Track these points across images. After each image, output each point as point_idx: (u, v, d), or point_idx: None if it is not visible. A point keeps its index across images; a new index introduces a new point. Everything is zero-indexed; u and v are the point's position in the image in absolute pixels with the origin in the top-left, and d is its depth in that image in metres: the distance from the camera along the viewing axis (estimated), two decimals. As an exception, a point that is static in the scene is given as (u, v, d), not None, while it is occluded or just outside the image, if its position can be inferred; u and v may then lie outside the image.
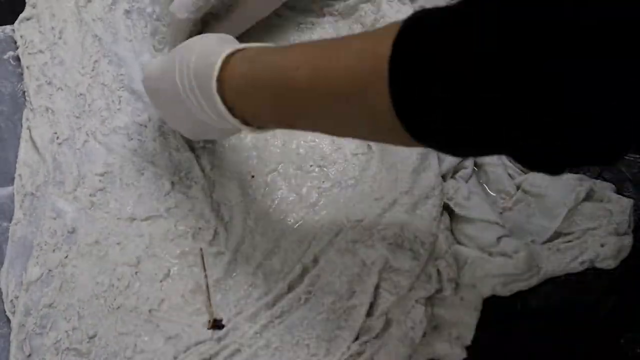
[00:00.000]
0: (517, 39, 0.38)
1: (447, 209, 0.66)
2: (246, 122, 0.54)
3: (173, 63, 0.57)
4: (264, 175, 0.68)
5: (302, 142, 0.70)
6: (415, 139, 0.44)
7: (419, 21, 0.42)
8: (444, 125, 0.42)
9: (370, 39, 0.45)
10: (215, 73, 0.52)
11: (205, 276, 0.64)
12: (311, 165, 0.69)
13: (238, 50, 0.53)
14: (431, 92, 0.41)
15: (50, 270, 0.64)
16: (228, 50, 0.53)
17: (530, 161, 0.43)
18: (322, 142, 0.70)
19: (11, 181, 0.69)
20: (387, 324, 0.62)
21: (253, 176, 0.68)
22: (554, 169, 0.44)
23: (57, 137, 0.70)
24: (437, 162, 0.67)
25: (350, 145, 0.70)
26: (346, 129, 0.50)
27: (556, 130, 0.39)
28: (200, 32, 0.68)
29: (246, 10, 0.69)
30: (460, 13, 0.41)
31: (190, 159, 0.69)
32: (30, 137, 0.70)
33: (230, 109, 0.53)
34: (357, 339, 0.61)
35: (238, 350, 0.61)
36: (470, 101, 0.40)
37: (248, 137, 0.70)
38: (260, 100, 0.52)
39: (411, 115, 0.43)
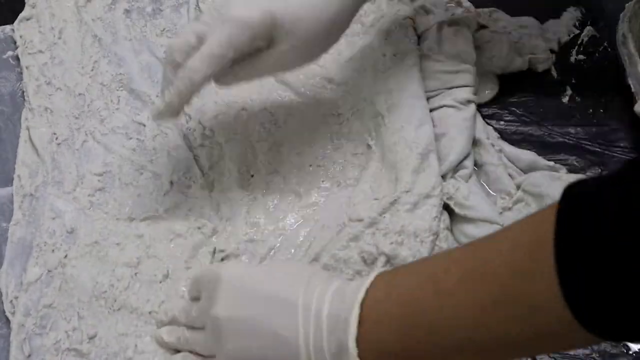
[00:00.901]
0: None
1: (447, 208, 0.66)
2: None
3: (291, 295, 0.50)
4: (263, 175, 0.68)
5: (301, 142, 0.70)
6: (593, 332, 0.39)
7: (577, 198, 0.39)
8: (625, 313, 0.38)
9: (527, 225, 0.42)
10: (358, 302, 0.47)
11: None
12: (311, 165, 0.69)
13: (380, 274, 0.49)
14: (609, 277, 0.37)
15: (49, 271, 0.64)
16: (373, 275, 0.48)
17: None
18: (322, 142, 0.70)
19: (10, 181, 0.69)
20: (388, 323, 0.62)
21: (253, 175, 0.68)
22: None
23: (56, 138, 0.70)
24: (437, 162, 0.67)
25: (350, 145, 0.70)
26: (507, 344, 0.43)
27: None
28: None
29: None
30: (622, 182, 0.38)
31: (189, 159, 0.69)
32: (29, 137, 0.70)
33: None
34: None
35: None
36: None
37: (245, 137, 0.70)
38: (397, 323, 0.46)
39: (586, 304, 0.38)
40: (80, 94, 0.72)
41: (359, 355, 0.47)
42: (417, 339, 0.46)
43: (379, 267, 0.62)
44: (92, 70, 0.73)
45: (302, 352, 0.49)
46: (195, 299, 0.58)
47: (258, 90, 0.72)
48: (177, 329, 0.59)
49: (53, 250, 0.65)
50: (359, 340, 0.47)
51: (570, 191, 0.40)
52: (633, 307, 0.37)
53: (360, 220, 0.65)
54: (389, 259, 0.63)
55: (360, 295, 0.47)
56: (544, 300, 0.39)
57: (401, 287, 0.47)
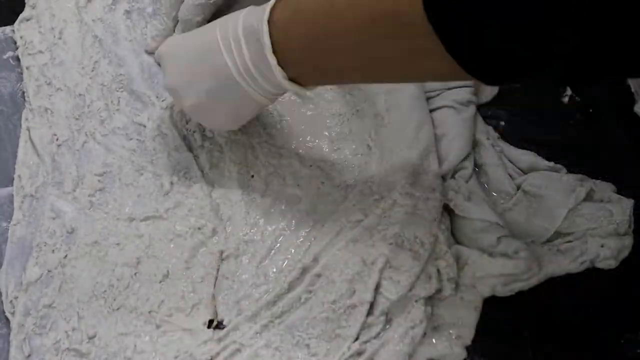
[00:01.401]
0: None
1: (447, 209, 0.66)
2: (290, 77, 0.55)
3: (212, 31, 0.58)
4: (263, 176, 0.68)
5: (301, 142, 0.70)
6: (453, 54, 0.43)
7: None
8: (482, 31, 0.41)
9: None
10: (266, 15, 0.54)
11: (216, 279, 0.64)
12: (311, 166, 0.69)
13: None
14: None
15: (49, 271, 0.64)
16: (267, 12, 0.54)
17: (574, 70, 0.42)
18: (321, 142, 0.70)
19: (10, 181, 0.69)
20: (388, 323, 0.62)
21: (253, 176, 0.68)
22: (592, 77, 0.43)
23: (57, 139, 0.70)
24: (437, 162, 0.67)
25: (350, 145, 0.70)
26: (384, 61, 0.50)
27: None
28: None
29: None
30: None
31: (189, 159, 0.69)
32: (30, 138, 0.70)
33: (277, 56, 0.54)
34: (357, 338, 0.61)
35: (238, 350, 0.61)
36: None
37: (246, 137, 0.70)
38: (302, 38, 0.53)
39: (445, 25, 0.42)
40: (80, 95, 0.72)
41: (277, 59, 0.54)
42: (319, 55, 0.53)
43: (379, 267, 0.62)
44: (92, 70, 0.73)
45: (233, 71, 0.57)
46: None
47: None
48: None
49: (53, 251, 0.65)
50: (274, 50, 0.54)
51: None
52: (486, 27, 0.41)
53: (360, 220, 0.65)
54: (388, 260, 0.63)
55: (266, 14, 0.54)
56: (410, 16, 0.44)
57: (303, 10, 0.53)
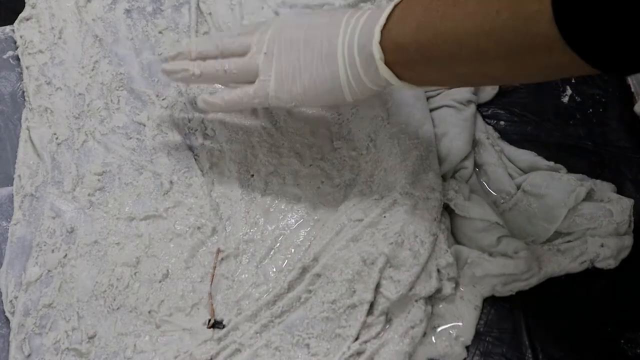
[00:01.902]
0: None
1: (447, 209, 0.66)
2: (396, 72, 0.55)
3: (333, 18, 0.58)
4: (263, 175, 0.68)
5: (301, 141, 0.70)
6: (576, 51, 0.43)
7: None
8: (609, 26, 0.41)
9: None
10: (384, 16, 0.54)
11: (213, 276, 0.64)
12: (310, 165, 0.69)
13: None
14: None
15: (49, 271, 0.64)
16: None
17: None
18: (321, 141, 0.70)
19: (10, 181, 0.69)
20: (388, 323, 0.62)
21: (252, 175, 0.68)
22: None
23: (57, 138, 0.70)
24: (437, 162, 0.67)
25: (349, 145, 0.70)
26: (502, 52, 0.48)
27: None
28: None
29: None
30: None
31: (189, 158, 0.69)
32: (30, 137, 0.70)
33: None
34: (357, 338, 0.61)
35: (238, 350, 0.61)
36: None
37: (247, 137, 0.70)
38: (416, 22, 0.52)
39: (572, 24, 0.42)
40: (80, 94, 0.72)
41: (381, 43, 0.54)
42: (429, 38, 0.51)
43: (379, 267, 0.62)
44: (92, 70, 0.73)
45: (338, 45, 0.57)
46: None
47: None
48: (210, 62, 0.63)
49: (53, 250, 0.65)
50: (382, 33, 0.54)
51: None
52: (616, 28, 0.41)
53: (360, 220, 0.65)
54: (388, 259, 0.63)
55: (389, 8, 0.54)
56: (536, 14, 0.44)
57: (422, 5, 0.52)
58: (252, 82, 0.62)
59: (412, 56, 0.53)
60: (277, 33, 0.61)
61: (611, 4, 0.41)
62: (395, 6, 0.54)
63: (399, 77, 0.55)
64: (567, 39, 0.43)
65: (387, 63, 0.55)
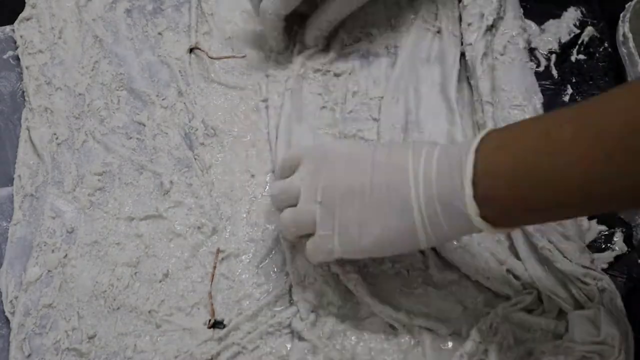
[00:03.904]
0: None
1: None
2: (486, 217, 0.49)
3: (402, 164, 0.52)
4: (262, 174, 0.68)
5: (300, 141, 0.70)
6: None
7: None
8: None
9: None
10: (475, 143, 0.49)
11: (213, 276, 0.64)
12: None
13: (492, 130, 0.50)
14: None
15: (49, 271, 0.64)
16: (485, 131, 0.50)
17: None
18: (322, 139, 0.70)
19: (10, 181, 0.69)
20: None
21: (253, 175, 0.68)
22: None
23: (57, 138, 0.70)
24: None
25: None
26: (615, 198, 0.45)
27: None
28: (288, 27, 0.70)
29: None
30: None
31: (189, 158, 0.69)
32: (30, 137, 0.70)
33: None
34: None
35: (240, 352, 0.61)
36: None
37: (248, 136, 0.70)
38: (510, 171, 0.47)
39: None
40: (80, 94, 0.72)
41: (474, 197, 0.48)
42: (528, 189, 0.47)
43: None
44: (92, 70, 0.73)
45: (412, 195, 0.51)
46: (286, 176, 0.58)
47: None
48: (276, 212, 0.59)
49: (53, 250, 0.65)
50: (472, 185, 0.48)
51: None
52: None
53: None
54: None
55: (475, 143, 0.49)
56: None
57: (514, 140, 0.48)
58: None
59: (510, 209, 0.48)
60: (331, 179, 0.54)
61: None
62: (476, 151, 0.49)
63: (493, 225, 0.50)
64: None
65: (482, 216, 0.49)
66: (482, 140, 0.49)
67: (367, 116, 0.69)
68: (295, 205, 0.56)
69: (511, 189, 0.47)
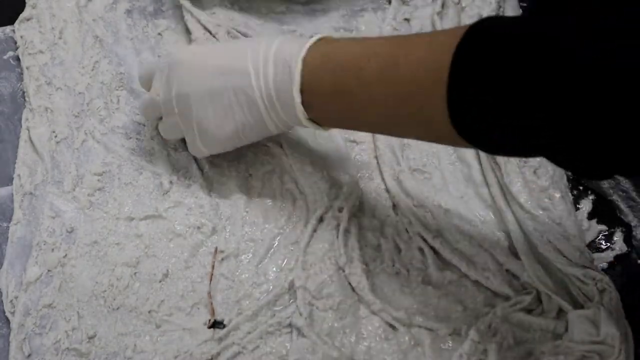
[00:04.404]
0: (591, 44, 0.41)
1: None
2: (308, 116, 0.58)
3: (241, 51, 0.59)
4: (260, 174, 0.68)
5: (300, 139, 0.70)
6: (468, 142, 0.49)
7: (482, 31, 0.46)
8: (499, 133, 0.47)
9: (436, 43, 0.49)
10: (303, 53, 0.56)
11: (212, 275, 0.64)
12: (310, 163, 0.68)
13: (321, 38, 0.58)
14: (487, 101, 0.45)
15: (49, 270, 0.64)
16: (315, 38, 0.57)
17: (577, 165, 0.47)
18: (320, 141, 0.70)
19: (10, 181, 0.69)
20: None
21: (251, 175, 0.68)
22: (600, 174, 0.49)
23: (56, 136, 0.70)
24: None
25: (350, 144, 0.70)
26: (402, 129, 0.56)
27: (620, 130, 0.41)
28: None
29: None
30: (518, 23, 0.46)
31: (188, 158, 0.69)
32: (29, 137, 0.70)
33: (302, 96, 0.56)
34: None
35: (240, 352, 0.61)
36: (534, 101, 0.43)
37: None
38: (329, 87, 0.55)
39: (465, 121, 0.48)
40: (80, 93, 0.72)
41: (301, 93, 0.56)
42: (344, 108, 0.56)
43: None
44: (92, 70, 0.73)
45: (256, 94, 0.59)
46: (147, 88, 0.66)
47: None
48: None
49: (52, 250, 0.65)
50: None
51: (475, 26, 0.47)
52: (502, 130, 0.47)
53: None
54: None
55: (303, 52, 0.56)
56: (437, 115, 0.48)
57: (336, 57, 0.55)
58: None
59: (332, 117, 0.58)
60: (180, 88, 0.61)
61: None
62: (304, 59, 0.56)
63: (321, 125, 0.59)
64: (464, 136, 0.49)
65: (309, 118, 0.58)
66: (310, 48, 0.56)
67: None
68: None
69: (329, 104, 0.56)
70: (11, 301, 0.63)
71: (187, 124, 0.63)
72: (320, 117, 0.58)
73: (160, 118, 0.66)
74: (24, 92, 0.73)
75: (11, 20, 0.76)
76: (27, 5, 0.76)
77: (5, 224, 0.67)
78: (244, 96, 0.59)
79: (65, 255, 0.65)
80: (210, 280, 0.63)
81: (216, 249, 0.65)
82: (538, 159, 0.67)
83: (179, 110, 0.62)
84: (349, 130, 0.67)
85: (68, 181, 0.68)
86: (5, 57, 0.75)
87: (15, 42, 0.75)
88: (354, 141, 0.70)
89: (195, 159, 0.69)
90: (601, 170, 0.47)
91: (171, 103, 0.62)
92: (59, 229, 0.66)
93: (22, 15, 0.76)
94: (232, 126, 0.61)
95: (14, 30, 0.76)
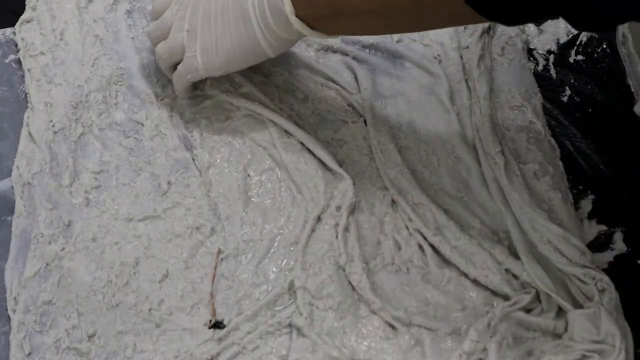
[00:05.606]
0: None
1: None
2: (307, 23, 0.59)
3: None
4: (259, 174, 0.68)
5: (298, 139, 0.70)
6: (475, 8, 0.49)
7: None
8: None
9: None
10: None
11: (214, 276, 0.64)
12: (307, 163, 0.68)
13: None
14: None
15: (47, 264, 0.64)
16: None
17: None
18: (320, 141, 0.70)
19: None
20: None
21: (249, 175, 0.68)
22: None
23: (53, 126, 0.69)
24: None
25: (348, 145, 0.70)
26: (410, 14, 0.55)
27: None
28: None
29: None
30: None
31: (187, 158, 0.69)
32: (28, 131, 0.70)
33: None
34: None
35: (240, 352, 0.61)
36: None
37: (245, 141, 0.70)
38: None
39: None
40: (79, 86, 0.72)
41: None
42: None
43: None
44: (92, 66, 0.73)
45: (249, 5, 0.61)
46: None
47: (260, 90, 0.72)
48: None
49: (50, 242, 0.64)
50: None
51: None
52: None
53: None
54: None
55: None
56: None
57: None
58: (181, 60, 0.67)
59: (321, 11, 0.58)
60: (195, 8, 0.65)
61: None
62: None
63: (311, 27, 0.60)
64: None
65: (298, 16, 0.59)
66: None
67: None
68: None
69: None
70: (14, 298, 0.63)
71: (190, 42, 0.65)
72: (312, 14, 0.59)
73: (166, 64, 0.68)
74: (26, 94, 0.73)
75: (11, 23, 0.76)
76: (27, 7, 0.76)
77: (9, 219, 0.67)
78: (239, 10, 0.62)
79: (63, 248, 0.64)
80: (213, 281, 0.63)
81: (219, 249, 0.65)
82: (538, 159, 0.67)
83: (188, 29, 0.65)
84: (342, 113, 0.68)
85: (65, 176, 0.67)
86: (7, 60, 0.75)
87: (16, 45, 0.75)
88: (340, 139, 0.70)
89: (194, 159, 0.69)
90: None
91: (183, 22, 0.65)
92: (56, 221, 0.65)
93: (22, 17, 0.76)
94: (229, 43, 0.63)
95: (14, 33, 0.76)
